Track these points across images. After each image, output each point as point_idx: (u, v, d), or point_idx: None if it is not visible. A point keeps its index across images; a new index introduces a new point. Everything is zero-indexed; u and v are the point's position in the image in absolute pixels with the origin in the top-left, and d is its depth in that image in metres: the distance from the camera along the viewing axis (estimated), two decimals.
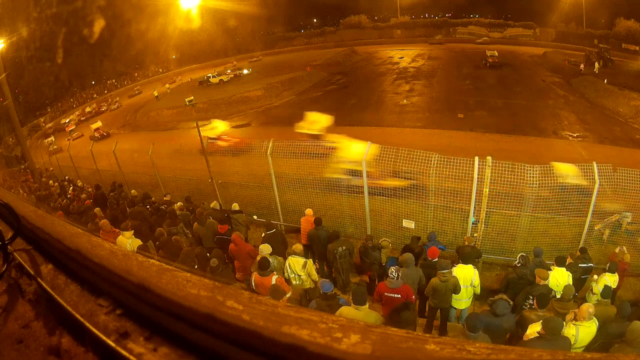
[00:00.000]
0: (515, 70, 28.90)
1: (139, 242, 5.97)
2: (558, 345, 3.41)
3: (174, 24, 39.31)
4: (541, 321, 3.60)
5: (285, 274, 5.19)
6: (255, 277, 4.74)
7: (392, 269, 4.45)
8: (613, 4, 33.09)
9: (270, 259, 4.95)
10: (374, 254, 5.95)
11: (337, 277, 6.04)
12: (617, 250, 6.10)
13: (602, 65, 27.53)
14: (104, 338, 0.76)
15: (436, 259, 5.27)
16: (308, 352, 0.54)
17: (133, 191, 9.88)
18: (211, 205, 7.81)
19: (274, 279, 4.65)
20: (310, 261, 5.29)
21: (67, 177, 15.07)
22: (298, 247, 5.37)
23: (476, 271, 5.17)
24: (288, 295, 4.58)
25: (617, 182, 6.31)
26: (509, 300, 4.20)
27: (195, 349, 0.69)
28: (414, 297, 4.71)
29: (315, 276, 5.20)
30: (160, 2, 37.08)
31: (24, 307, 1.02)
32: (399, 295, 4.39)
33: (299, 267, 5.14)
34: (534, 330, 3.73)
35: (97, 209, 8.11)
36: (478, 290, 5.26)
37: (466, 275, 5.06)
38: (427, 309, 5.54)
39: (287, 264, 5.19)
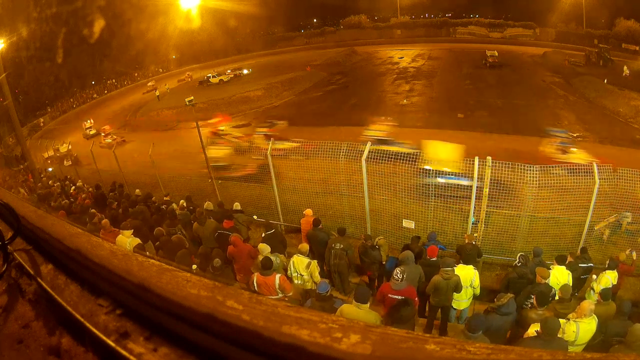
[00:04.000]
0: (515, 70, 28.80)
1: (138, 241, 5.94)
2: (554, 347, 3.39)
3: (174, 24, 39.25)
4: (540, 321, 3.60)
5: (288, 271, 5.22)
6: (257, 277, 4.72)
7: (397, 270, 4.42)
8: (613, 4, 33.00)
9: (272, 257, 4.95)
10: (374, 253, 5.93)
11: (335, 277, 6.03)
12: (624, 257, 5.77)
13: (609, 66, 27.12)
14: (104, 338, 0.76)
15: (435, 258, 5.26)
16: (308, 352, 0.54)
17: (137, 190, 9.87)
18: (205, 206, 7.65)
19: (277, 277, 4.64)
20: (314, 262, 5.28)
21: (68, 177, 15.08)
22: (304, 246, 5.41)
23: (476, 272, 5.17)
24: (289, 295, 4.58)
25: (617, 182, 6.30)
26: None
27: (195, 349, 0.69)
28: (416, 299, 4.70)
29: (317, 278, 5.19)
30: (160, 2, 37.05)
31: (24, 307, 1.01)
32: (403, 298, 4.37)
33: (303, 267, 5.16)
34: (534, 329, 3.73)
35: (93, 210, 8.10)
36: (478, 292, 5.27)
37: (466, 275, 5.06)
38: (427, 309, 5.53)
39: (291, 262, 5.23)
